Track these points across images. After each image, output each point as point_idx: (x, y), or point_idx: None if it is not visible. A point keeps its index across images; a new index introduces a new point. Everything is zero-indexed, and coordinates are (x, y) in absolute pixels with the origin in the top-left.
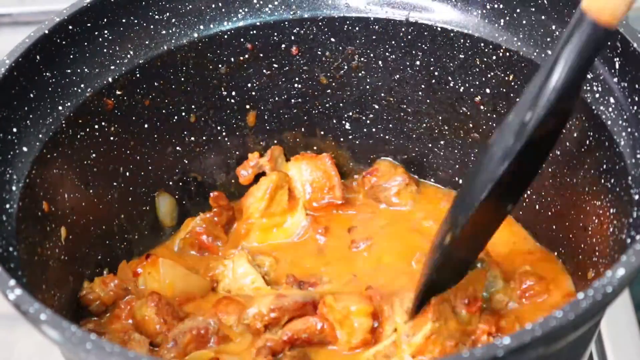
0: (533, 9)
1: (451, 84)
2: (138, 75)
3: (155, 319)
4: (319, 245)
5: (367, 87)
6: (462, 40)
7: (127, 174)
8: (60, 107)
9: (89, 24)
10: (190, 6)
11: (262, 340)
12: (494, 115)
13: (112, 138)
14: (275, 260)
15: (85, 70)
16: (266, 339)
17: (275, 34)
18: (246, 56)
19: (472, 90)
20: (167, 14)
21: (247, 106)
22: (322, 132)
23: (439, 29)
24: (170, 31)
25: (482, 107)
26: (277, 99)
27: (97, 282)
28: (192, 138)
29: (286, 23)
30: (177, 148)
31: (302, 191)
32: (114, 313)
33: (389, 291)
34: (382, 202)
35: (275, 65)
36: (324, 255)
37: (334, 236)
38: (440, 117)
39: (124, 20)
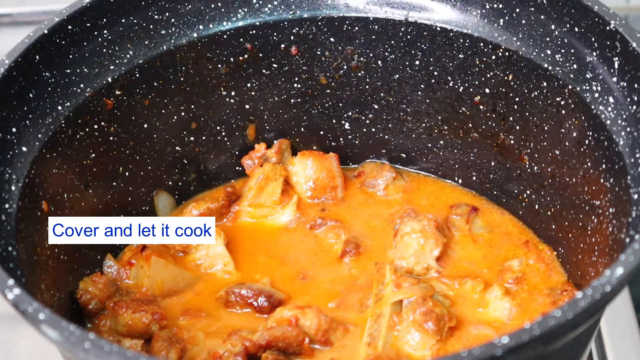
0: (532, 9)
1: (450, 84)
2: (137, 75)
3: (137, 316)
4: (303, 244)
5: (367, 87)
6: (461, 40)
7: (127, 174)
8: (59, 107)
9: (88, 24)
10: (190, 6)
11: (240, 337)
12: (493, 115)
13: (111, 138)
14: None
15: (85, 70)
16: (242, 337)
17: (275, 34)
18: (245, 56)
19: (471, 90)
20: (167, 14)
21: (247, 106)
22: (321, 132)
23: (438, 28)
24: (170, 31)
25: (481, 107)
26: (276, 99)
27: (88, 282)
28: (192, 138)
29: (285, 23)
30: (177, 148)
31: (303, 188)
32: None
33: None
34: (372, 198)
35: (275, 65)
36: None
37: (320, 236)
38: (439, 117)
39: (123, 20)
